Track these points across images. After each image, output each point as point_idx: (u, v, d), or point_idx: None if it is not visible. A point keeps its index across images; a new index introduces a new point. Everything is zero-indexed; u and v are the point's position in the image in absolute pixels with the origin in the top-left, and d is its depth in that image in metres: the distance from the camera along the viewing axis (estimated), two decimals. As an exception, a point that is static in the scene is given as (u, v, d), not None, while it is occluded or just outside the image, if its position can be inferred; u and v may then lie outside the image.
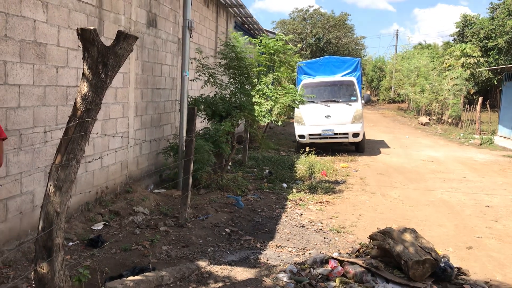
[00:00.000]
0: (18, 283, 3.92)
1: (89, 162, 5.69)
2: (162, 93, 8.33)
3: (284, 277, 4.40)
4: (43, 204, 3.09)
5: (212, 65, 9.16)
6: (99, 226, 5.60)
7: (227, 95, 8.61)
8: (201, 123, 8.57)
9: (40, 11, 4.77)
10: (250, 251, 5.20)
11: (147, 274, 4.11)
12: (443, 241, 5.89)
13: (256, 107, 8.51)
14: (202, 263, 4.63)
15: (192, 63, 7.99)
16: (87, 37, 3.06)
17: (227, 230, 5.89)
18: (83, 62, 3.10)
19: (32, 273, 3.23)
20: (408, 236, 4.68)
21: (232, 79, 8.93)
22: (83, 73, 3.12)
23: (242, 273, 4.53)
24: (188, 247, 5.21)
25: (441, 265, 4.54)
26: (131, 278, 3.96)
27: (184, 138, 6.78)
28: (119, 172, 6.85)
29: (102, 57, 3.08)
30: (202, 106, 8.06)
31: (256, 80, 8.92)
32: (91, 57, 3.06)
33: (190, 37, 7.73)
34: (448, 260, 4.83)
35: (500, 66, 21.67)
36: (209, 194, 7.46)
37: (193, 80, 8.64)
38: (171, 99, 8.74)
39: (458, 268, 4.85)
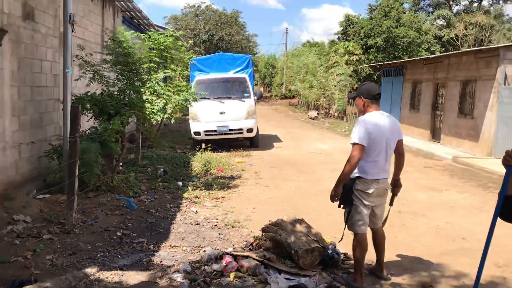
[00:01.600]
0: None
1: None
2: (43, 91, 7.74)
3: (178, 277, 4.34)
4: None
5: (98, 61, 8.71)
6: (-29, 239, 5.06)
7: (116, 92, 8.25)
8: (87, 122, 8.11)
9: None
10: (143, 253, 5.04)
11: (28, 287, 3.79)
12: (331, 228, 6.21)
13: (147, 105, 8.27)
14: (91, 270, 4.40)
15: (74, 60, 7.53)
16: None
17: (118, 233, 5.66)
18: None
19: None
20: (298, 227, 4.88)
21: (120, 76, 8.57)
22: None
23: (134, 277, 4.38)
24: (75, 254, 4.91)
25: (329, 252, 4.80)
26: (9, 293, 3.63)
27: (68, 139, 6.37)
28: (-5, 179, 6.24)
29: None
30: (88, 105, 7.62)
31: (147, 76, 8.67)
32: None
33: (73, 31, 7.27)
34: (335, 247, 5.13)
35: (379, 63, 23.48)
36: (99, 197, 7.10)
37: (78, 79, 8.16)
38: (54, 97, 8.15)
39: (345, 254, 5.16)
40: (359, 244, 4.38)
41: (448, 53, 17.19)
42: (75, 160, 5.69)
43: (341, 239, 4.60)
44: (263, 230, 5.07)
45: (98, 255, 4.90)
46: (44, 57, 7.72)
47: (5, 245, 5.01)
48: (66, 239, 5.30)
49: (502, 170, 2.28)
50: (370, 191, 4.34)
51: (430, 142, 16.50)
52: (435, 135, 16.67)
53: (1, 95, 6.32)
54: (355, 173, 4.32)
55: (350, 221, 4.41)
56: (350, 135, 4.42)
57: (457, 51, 17.70)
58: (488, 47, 15.22)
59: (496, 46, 14.23)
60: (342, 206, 4.48)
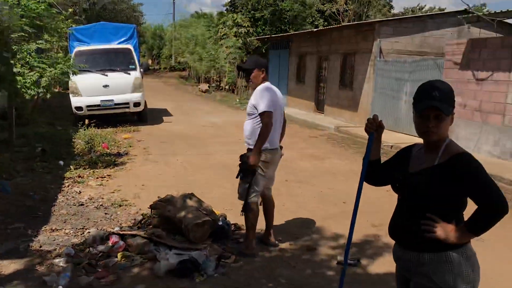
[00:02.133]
0: None
1: None
2: None
3: (60, 262, 4.07)
4: None
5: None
6: None
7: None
8: None
9: None
10: (19, 240, 4.64)
11: None
12: (222, 200, 6.28)
13: (18, 78, 7.51)
14: (-43, 263, 3.95)
15: None
16: None
17: (-11, 220, 5.15)
18: None
19: None
20: (188, 201, 4.82)
21: (-15, 46, 7.65)
22: None
23: (10, 266, 4.03)
24: None
25: (219, 224, 4.84)
26: None
27: None
28: None
29: None
30: None
31: (17, 47, 7.84)
32: None
33: None
34: (226, 218, 5.19)
35: (266, 36, 23.89)
36: (-34, 182, 6.38)
37: None
38: None
39: (235, 224, 5.25)
40: (253, 212, 4.47)
41: (330, 27, 18.00)
42: None
43: (243, 212, 4.55)
44: (151, 207, 4.95)
45: (-35, 246, 4.41)
46: None
47: None
48: None
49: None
50: (271, 160, 4.45)
51: (315, 113, 17.32)
52: (319, 107, 17.53)
53: None
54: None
55: (245, 191, 4.44)
56: (250, 106, 4.40)
57: (338, 25, 18.63)
58: (365, 22, 16.20)
59: (373, 21, 15.22)
60: (241, 177, 4.47)
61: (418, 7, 37.85)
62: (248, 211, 4.47)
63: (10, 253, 4.33)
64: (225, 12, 33.45)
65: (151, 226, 4.81)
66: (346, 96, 15.19)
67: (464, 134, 9.96)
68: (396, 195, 2.32)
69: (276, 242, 4.81)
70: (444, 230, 2.05)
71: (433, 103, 2.05)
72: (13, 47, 7.72)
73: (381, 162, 2.44)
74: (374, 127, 2.36)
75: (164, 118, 14.72)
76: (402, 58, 12.85)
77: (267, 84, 4.49)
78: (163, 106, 17.86)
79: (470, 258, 2.10)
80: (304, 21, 30.05)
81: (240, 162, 4.47)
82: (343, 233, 5.13)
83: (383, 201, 6.17)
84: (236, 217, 5.53)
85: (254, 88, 4.48)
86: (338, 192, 6.94)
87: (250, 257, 4.42)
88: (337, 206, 6.23)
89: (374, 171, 2.43)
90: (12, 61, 7.55)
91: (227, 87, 25.83)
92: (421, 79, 11.02)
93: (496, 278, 4.14)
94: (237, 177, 4.53)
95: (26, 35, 8.00)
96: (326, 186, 7.23)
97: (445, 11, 26.30)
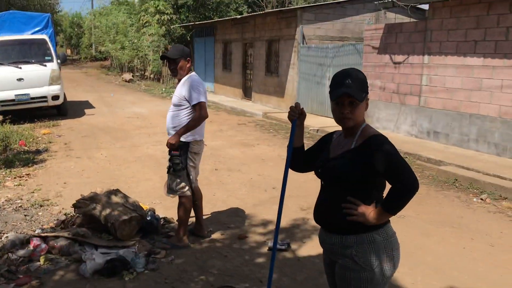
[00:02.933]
0: None
1: None
2: None
3: (-27, 273, 3.78)
4: None
5: None
6: None
7: None
8: None
9: None
10: None
11: None
12: (150, 194, 6.14)
13: None
14: None
15: None
16: None
17: None
18: None
19: None
20: (113, 198, 4.66)
21: None
22: None
23: None
24: None
25: (148, 219, 4.73)
26: None
27: None
28: None
29: None
30: None
31: None
32: None
33: None
34: (154, 212, 5.08)
35: (190, 23, 23.52)
36: None
37: None
38: None
39: (164, 218, 5.15)
40: (186, 205, 4.42)
41: (254, 13, 18.04)
42: None
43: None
44: (74, 206, 4.72)
45: None
46: None
47: None
48: None
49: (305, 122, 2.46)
50: (200, 151, 4.48)
51: (243, 100, 17.38)
52: (247, 94, 17.60)
53: None
54: (189, 136, 4.27)
55: (179, 185, 4.36)
56: (179, 97, 4.30)
57: (262, 12, 18.71)
58: (287, 8, 16.38)
59: (294, 7, 15.42)
60: (171, 171, 4.36)
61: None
62: (183, 204, 4.42)
63: None
64: (147, -1, 32.49)
65: (75, 226, 4.60)
66: (272, 82, 15.37)
67: (384, 115, 10.45)
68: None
69: (207, 233, 4.79)
70: (364, 212, 2.13)
71: (347, 90, 2.11)
72: None
73: (305, 148, 2.49)
74: (297, 115, 2.39)
75: (85, 110, 14.08)
76: (324, 44, 13.18)
77: (194, 74, 4.44)
78: (85, 98, 17.10)
79: (391, 237, 2.20)
80: (228, 7, 29.90)
81: (169, 156, 4.38)
82: (273, 219, 5.21)
83: (310, 184, 6.33)
84: (165, 211, 5.46)
85: (180, 79, 4.39)
86: (268, 178, 7.02)
87: (184, 249, 4.37)
88: (267, 192, 6.30)
89: (298, 158, 2.47)
90: None
91: (151, 76, 25.19)
92: (342, 64, 11.42)
93: (417, 251, 4.40)
94: (168, 172, 4.43)
95: None
96: (256, 173, 7.30)
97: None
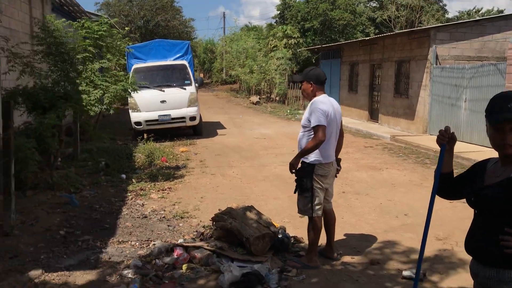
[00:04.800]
0: None
1: None
2: (-32, 86, 7.20)
3: (129, 273, 4.23)
4: None
5: (28, 52, 8.21)
6: None
7: (50, 85, 7.83)
8: (20, 117, 7.65)
9: None
10: (89, 251, 4.87)
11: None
12: (279, 212, 6.31)
13: (84, 96, 7.91)
14: (35, 273, 4.19)
15: (0, 53, 7.05)
16: None
17: (61, 232, 5.42)
18: None
19: None
20: (248, 214, 4.88)
21: (53, 67, 8.13)
22: None
23: (82, 277, 4.22)
24: (16, 257, 4.66)
25: (279, 236, 4.86)
26: None
27: (1, 136, 5.98)
28: None
29: None
30: (20, 99, 7.19)
31: (82, 67, 8.28)
32: None
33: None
34: (285, 231, 5.19)
35: (316, 46, 23.86)
36: (38, 196, 6.75)
37: (6, 73, 7.65)
38: (-19, 92, 7.61)
39: (294, 237, 5.25)
40: (316, 227, 4.48)
41: (382, 34, 17.73)
42: (10, 158, 5.36)
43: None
44: (213, 219, 5.04)
45: (42, 257, 4.67)
46: (-33, 49, 7.17)
47: None
48: (5, 242, 5.01)
49: (438, 147, 2.38)
50: (327, 174, 4.49)
51: (369, 122, 17.05)
52: (373, 115, 17.24)
53: None
54: (313, 158, 4.37)
55: (306, 206, 4.45)
56: (305, 118, 4.43)
57: (391, 33, 18.31)
58: (420, 28, 15.85)
59: (428, 27, 14.86)
60: (298, 192, 4.49)
61: (474, 10, 36.53)
62: (313, 225, 4.48)
63: (82, 264, 4.55)
64: (274, 24, 33.74)
65: (213, 238, 4.90)
66: (401, 104, 14.86)
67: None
68: (464, 209, 2.26)
69: (337, 255, 4.77)
70: (525, 246, 1.97)
71: (509, 116, 1.98)
72: (79, 67, 8.15)
73: (454, 175, 2.39)
74: (446, 139, 2.32)
75: (218, 131, 14.98)
76: (461, 65, 12.44)
77: (322, 96, 4.49)
78: (216, 119, 18.18)
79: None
80: (355, 29, 29.79)
81: (296, 178, 4.49)
82: (407, 247, 5.02)
83: (446, 212, 5.99)
84: (294, 230, 5.55)
85: (309, 100, 4.51)
86: (399, 204, 6.78)
87: (314, 269, 4.42)
88: (399, 219, 6.08)
89: (447, 184, 2.37)
90: (78, 80, 7.98)
91: (277, 98, 25.93)
92: (481, 85, 10.66)
93: None
94: (294, 192, 4.55)
95: (90, 55, 8.42)
96: (385, 198, 7.09)
97: (505, 13, 25.25)
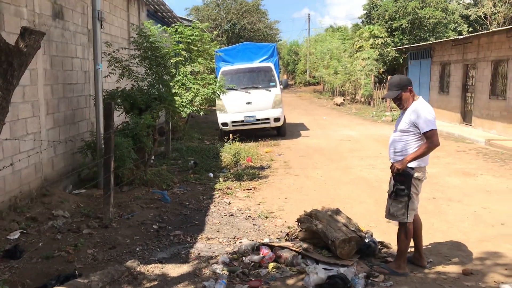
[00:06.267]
0: None
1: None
2: (75, 88, 7.88)
3: (217, 269, 4.39)
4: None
5: (126, 56, 8.81)
6: (15, 235, 5.21)
7: (145, 87, 8.35)
8: (118, 117, 8.23)
9: None
10: (180, 246, 5.12)
11: (73, 281, 3.91)
12: (365, 216, 6.19)
13: (176, 98, 8.33)
14: (132, 264, 4.49)
15: (103, 57, 7.63)
16: (-15, 35, 2.79)
17: (155, 226, 5.76)
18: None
19: None
20: (334, 216, 4.86)
21: (148, 70, 8.65)
22: (-15, 75, 2.85)
23: (174, 270, 4.46)
24: (115, 248, 5.02)
25: (366, 241, 4.78)
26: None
27: (102, 135, 6.49)
28: (34, 175, 6.42)
29: (6, 56, 2.83)
30: (119, 100, 7.75)
31: (175, 70, 8.73)
32: (-8, 57, 2.80)
33: (101, 28, 7.36)
34: (372, 236, 5.10)
35: (405, 46, 23.01)
36: (133, 191, 7.23)
37: (107, 76, 8.27)
38: (85, 93, 8.30)
39: (381, 242, 5.13)
40: (408, 232, 4.37)
41: (478, 33, 16.69)
42: (110, 155, 5.79)
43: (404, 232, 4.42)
44: (298, 220, 5.08)
45: (137, 249, 5.00)
46: (74, 55, 7.85)
47: (48, 240, 5.16)
48: (105, 234, 5.42)
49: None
50: (424, 178, 4.41)
51: (461, 125, 16.14)
52: (466, 118, 16.30)
53: (36, 94, 6.47)
54: (413, 162, 4.26)
55: (400, 211, 4.34)
56: (408, 123, 4.31)
57: (488, 31, 17.18)
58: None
59: (529, 23, 13.76)
60: (394, 197, 4.37)
61: None
62: (405, 231, 4.36)
63: (173, 257, 4.79)
64: (361, 24, 33.05)
65: (298, 239, 4.94)
66: (497, 106, 13.90)
67: None
68: None
69: (428, 263, 4.59)
70: None
71: None
72: (172, 70, 8.59)
73: None
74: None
75: (301, 132, 14.99)
76: None
77: (421, 99, 4.40)
78: (300, 120, 18.19)
79: None
80: (446, 28, 28.32)
81: (394, 182, 4.38)
82: (506, 258, 4.71)
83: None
84: (381, 235, 5.43)
85: (407, 107, 4.38)
86: (495, 212, 6.36)
87: (403, 276, 4.29)
88: (495, 228, 5.71)
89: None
90: (171, 83, 8.41)
91: (362, 99, 25.38)
92: None
93: None
94: (391, 196, 4.42)
95: (183, 59, 8.84)
96: (480, 205, 6.68)
97: None
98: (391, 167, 4.41)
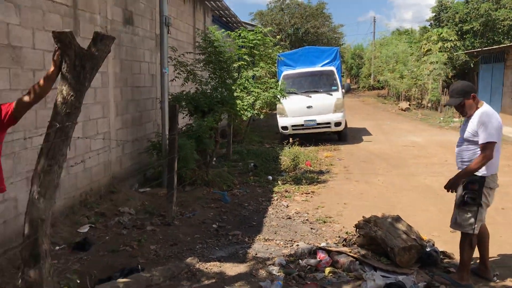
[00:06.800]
0: (5, 292, 3.88)
1: (71, 166, 5.61)
2: (142, 90, 8.25)
3: (273, 270, 4.43)
4: (27, 211, 3.05)
5: (191, 61, 9.09)
6: (85, 229, 5.54)
7: (208, 91, 8.58)
8: (183, 119, 8.51)
9: (12, 14, 4.67)
10: (238, 246, 5.22)
11: (136, 275, 4.10)
12: (428, 225, 5.99)
13: (238, 101, 8.49)
14: (192, 261, 4.63)
15: (169, 61, 7.94)
16: (63, 40, 3.00)
17: (214, 226, 5.90)
18: (62, 65, 3.05)
19: (20, 281, 3.18)
20: (394, 223, 4.75)
21: (212, 74, 8.88)
22: (61, 76, 3.07)
23: (232, 269, 4.55)
24: (176, 245, 5.20)
25: (427, 250, 4.63)
26: (120, 280, 3.94)
27: (167, 136, 6.74)
28: (103, 173, 6.79)
29: (80, 59, 3.03)
30: (184, 103, 8.01)
31: (237, 74, 8.91)
32: (69, 60, 3.01)
33: (168, 33, 7.66)
34: (433, 245, 4.93)
35: (476, 49, 21.97)
36: (195, 191, 7.44)
37: (173, 80, 8.58)
38: (152, 96, 8.66)
39: (443, 252, 4.95)
40: (472, 243, 4.20)
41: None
42: (174, 156, 6.01)
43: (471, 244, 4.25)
44: (356, 226, 5.01)
45: (197, 246, 5.15)
46: (142, 59, 8.22)
47: (114, 235, 5.44)
48: (167, 231, 5.63)
49: None
50: (496, 186, 4.25)
51: (537, 133, 15.15)
52: (542, 126, 15.29)
53: (107, 96, 6.84)
54: (485, 170, 4.10)
55: (467, 222, 4.17)
56: (471, 132, 4.16)
57: None
58: None
59: None
60: (462, 206, 4.21)
61: None
62: (469, 242, 4.19)
63: (231, 257, 4.89)
64: (429, 27, 31.94)
65: (356, 245, 4.87)
66: None
67: None
68: None
69: (494, 276, 4.37)
70: None
71: None
72: (234, 74, 8.77)
73: None
74: None
75: (363, 137, 14.72)
76: None
77: (486, 105, 4.20)
78: (362, 125, 17.86)
79: None
80: (523, 30, 26.74)
81: (464, 191, 4.20)
82: None
83: None
84: (443, 244, 5.23)
85: (471, 114, 4.20)
86: None
87: (465, 288, 4.13)
88: None
89: None
90: (233, 87, 8.59)
91: (429, 104, 24.48)
92: None
93: None
94: (459, 206, 4.24)
95: (245, 63, 9.00)
96: (555, 219, 6.27)
97: None
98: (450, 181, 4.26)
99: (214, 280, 4.29)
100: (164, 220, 5.96)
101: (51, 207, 3.09)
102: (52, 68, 3.10)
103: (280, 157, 10.74)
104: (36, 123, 5.02)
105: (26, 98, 3.18)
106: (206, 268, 4.54)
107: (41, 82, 3.15)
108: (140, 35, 8.11)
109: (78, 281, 3.76)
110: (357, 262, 4.49)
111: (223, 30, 9.33)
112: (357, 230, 5.00)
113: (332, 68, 14.17)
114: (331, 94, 13.25)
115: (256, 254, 4.94)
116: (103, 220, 5.90)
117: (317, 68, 14.40)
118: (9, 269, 4.39)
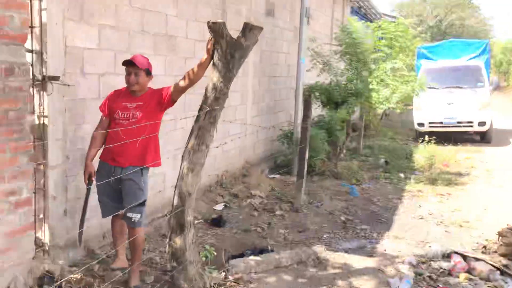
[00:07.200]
0: (152, 256, 4.34)
1: (215, 147, 6.02)
2: (278, 80, 8.49)
3: (402, 269, 4.31)
4: (177, 184, 3.39)
5: (327, 52, 9.10)
6: (220, 207, 5.95)
7: (343, 82, 8.51)
8: (315, 110, 8.57)
9: (171, 5, 5.14)
10: (366, 240, 5.16)
11: (267, 254, 4.31)
12: None
13: (373, 94, 8.29)
14: (319, 249, 4.70)
15: (306, 52, 8.05)
16: (216, 30, 3.24)
17: (342, 218, 5.90)
18: (214, 53, 3.30)
19: (166, 246, 3.55)
20: (544, 235, 4.30)
21: (348, 66, 8.78)
22: (213, 64, 3.33)
23: (358, 262, 4.52)
24: (304, 232, 5.33)
25: None
26: (252, 257, 4.18)
27: (300, 125, 6.87)
28: (238, 157, 7.17)
29: (230, 48, 3.26)
30: (317, 93, 8.07)
31: (374, 66, 8.68)
32: (221, 49, 3.25)
33: (308, 24, 7.76)
34: None
35: None
36: (323, 182, 7.49)
37: (308, 70, 8.69)
38: (286, 86, 8.88)
39: None
40: None
41: None
42: (305, 145, 6.13)
43: None
44: (499, 234, 4.62)
45: (324, 236, 5.21)
46: (281, 50, 8.45)
47: (246, 215, 5.75)
48: (295, 217, 5.79)
49: None
50: None
51: None
52: None
53: (246, 85, 7.19)
54: None
55: None
56: None
57: None
58: None
59: None
60: None
61: None
62: None
63: (358, 250, 4.86)
64: None
65: (497, 254, 4.50)
66: None
67: None
68: None
69: None
70: None
71: None
72: (371, 66, 8.58)
73: None
74: None
75: (511, 140, 13.36)
76: None
77: None
78: (510, 126, 16.19)
79: None
80: None
81: None
82: None
83: None
84: None
85: None
86: None
87: None
88: None
89: None
90: (369, 79, 8.42)
91: None
92: None
93: None
94: None
95: (384, 55, 8.74)
96: None
97: None
98: None
99: (339, 270, 4.31)
100: (293, 207, 6.12)
101: (197, 182, 3.39)
102: (205, 56, 3.37)
103: (414, 155, 10.25)
104: (184, 107, 5.48)
105: (182, 83, 3.52)
106: (332, 258, 4.57)
107: (195, 68, 3.45)
108: (280, 26, 8.34)
109: (215, 253, 4.07)
110: (497, 272, 4.16)
111: (362, 21, 9.15)
112: (500, 238, 4.61)
113: (479, 62, 13.06)
114: (476, 91, 12.22)
115: (384, 251, 4.84)
116: (236, 201, 6.27)
117: (462, 62, 13.40)
118: (155, 236, 4.91)
